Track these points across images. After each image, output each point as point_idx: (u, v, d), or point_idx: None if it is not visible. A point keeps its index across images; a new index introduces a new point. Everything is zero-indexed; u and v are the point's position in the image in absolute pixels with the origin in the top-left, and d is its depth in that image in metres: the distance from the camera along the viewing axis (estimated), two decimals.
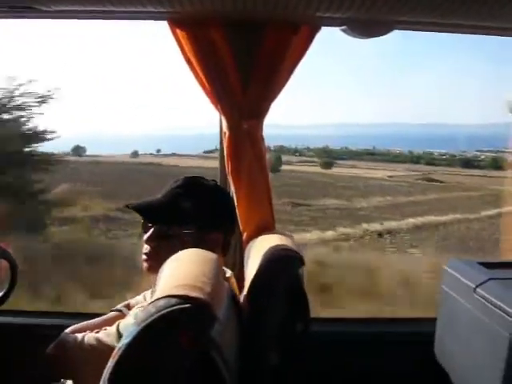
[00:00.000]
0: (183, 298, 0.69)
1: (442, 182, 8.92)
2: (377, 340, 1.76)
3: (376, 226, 6.93)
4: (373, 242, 6.64)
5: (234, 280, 1.24)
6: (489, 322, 1.13)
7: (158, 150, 8.91)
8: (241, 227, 1.56)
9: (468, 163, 9.21)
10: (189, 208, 1.18)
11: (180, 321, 0.68)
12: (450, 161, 9.50)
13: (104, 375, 0.67)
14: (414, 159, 9.58)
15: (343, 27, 1.51)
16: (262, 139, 1.54)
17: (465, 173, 9.03)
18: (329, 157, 9.37)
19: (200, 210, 1.18)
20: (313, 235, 6.42)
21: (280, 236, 1.32)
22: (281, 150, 9.45)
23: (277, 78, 1.47)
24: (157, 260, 1.08)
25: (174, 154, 9.24)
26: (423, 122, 10.90)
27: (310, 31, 1.47)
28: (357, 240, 6.62)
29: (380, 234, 6.81)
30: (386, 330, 1.79)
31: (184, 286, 0.72)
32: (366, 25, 1.50)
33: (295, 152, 9.70)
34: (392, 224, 7.05)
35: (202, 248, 0.96)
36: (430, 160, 9.51)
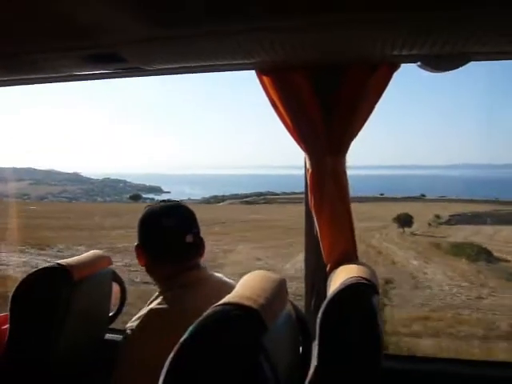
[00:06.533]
0: (236, 306, 0.79)
1: None
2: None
3: None
4: None
5: None
6: None
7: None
8: (324, 259, 1.61)
9: None
10: None
11: (231, 325, 0.77)
12: None
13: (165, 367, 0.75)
14: None
15: (419, 63, 1.57)
16: (345, 173, 1.60)
17: None
18: None
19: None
20: None
21: (358, 266, 1.36)
22: None
23: (358, 116, 1.54)
24: None
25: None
26: None
27: (388, 70, 1.54)
28: None
29: None
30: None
31: (240, 297, 0.83)
32: (442, 59, 1.55)
33: None
34: None
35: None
36: None
